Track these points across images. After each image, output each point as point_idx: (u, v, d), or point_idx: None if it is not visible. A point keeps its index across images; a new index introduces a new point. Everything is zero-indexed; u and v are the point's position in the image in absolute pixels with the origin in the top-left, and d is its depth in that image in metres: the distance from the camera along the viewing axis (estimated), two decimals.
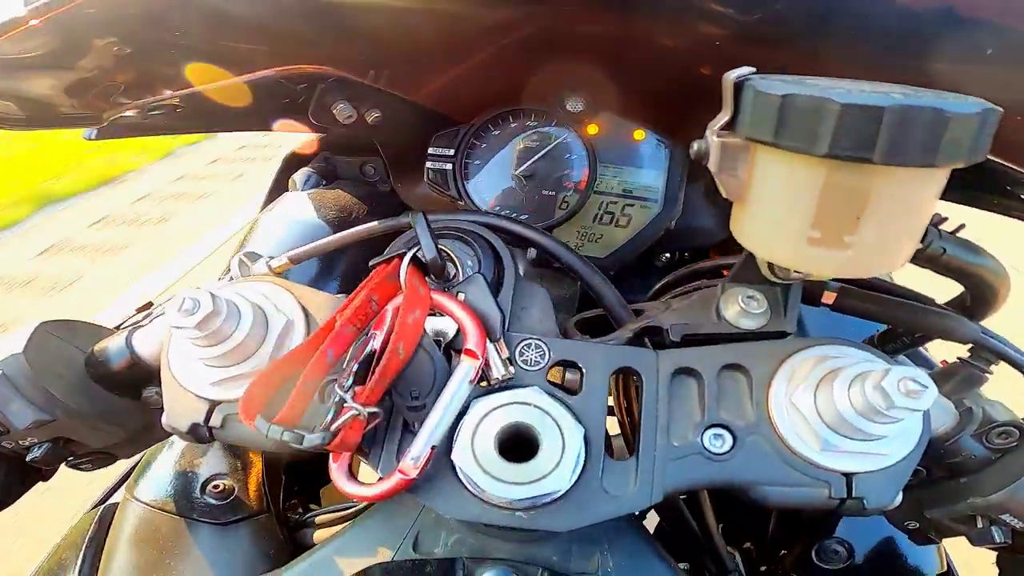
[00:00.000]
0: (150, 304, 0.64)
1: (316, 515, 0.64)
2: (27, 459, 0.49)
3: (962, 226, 0.45)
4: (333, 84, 0.66)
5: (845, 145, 0.29)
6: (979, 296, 0.47)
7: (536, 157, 0.74)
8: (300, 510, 0.70)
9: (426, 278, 0.44)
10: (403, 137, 0.77)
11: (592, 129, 0.74)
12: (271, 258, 0.59)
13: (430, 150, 0.75)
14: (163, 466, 0.65)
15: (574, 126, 0.74)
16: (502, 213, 0.73)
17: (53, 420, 0.47)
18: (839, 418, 0.38)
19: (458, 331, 0.42)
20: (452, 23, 0.58)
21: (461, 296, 0.44)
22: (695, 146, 0.37)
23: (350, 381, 0.38)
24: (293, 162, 1.02)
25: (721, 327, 0.45)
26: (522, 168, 0.73)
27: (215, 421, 0.42)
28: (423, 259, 0.43)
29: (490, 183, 0.75)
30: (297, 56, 0.62)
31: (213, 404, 0.42)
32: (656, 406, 0.42)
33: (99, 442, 0.53)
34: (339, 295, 0.47)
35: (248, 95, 0.61)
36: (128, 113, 0.58)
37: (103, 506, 0.68)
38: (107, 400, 0.51)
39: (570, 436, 0.39)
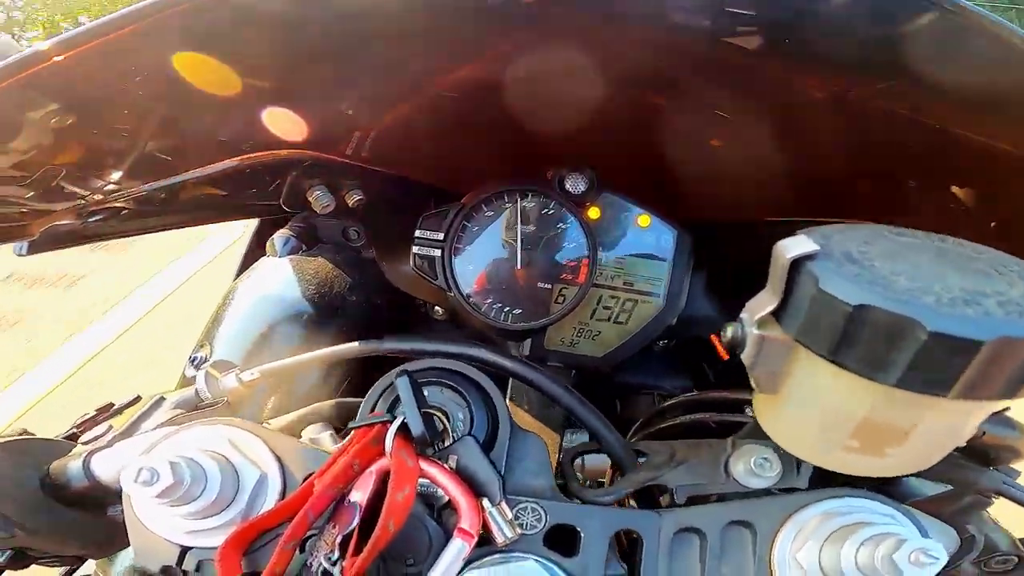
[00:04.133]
0: (110, 405, 0.61)
1: None
2: None
3: (1007, 408, 0.44)
4: (307, 168, 0.63)
5: (920, 380, 0.25)
6: (1009, 454, 0.46)
7: (532, 245, 0.70)
8: None
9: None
10: (388, 217, 0.74)
11: (593, 213, 0.71)
12: (241, 371, 0.57)
13: (417, 233, 0.71)
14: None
15: (574, 209, 0.70)
16: (494, 307, 0.71)
17: (12, 537, 0.45)
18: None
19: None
20: (446, 82, 0.56)
21: (453, 460, 0.41)
22: (728, 332, 0.34)
23: (336, 555, 0.37)
24: (271, 222, 0.99)
25: (729, 486, 0.43)
26: (516, 257, 0.70)
27: (188, 565, 0.41)
28: (410, 431, 0.41)
29: (481, 272, 0.70)
30: (266, 139, 0.59)
31: (185, 549, 0.42)
32: (656, 566, 0.42)
33: (65, 551, 0.52)
34: (317, 447, 0.45)
35: (209, 187, 0.57)
36: (64, 221, 0.52)
37: None
38: (68, 515, 0.49)
39: None
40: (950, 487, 0.47)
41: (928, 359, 0.25)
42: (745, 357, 0.33)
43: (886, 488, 0.53)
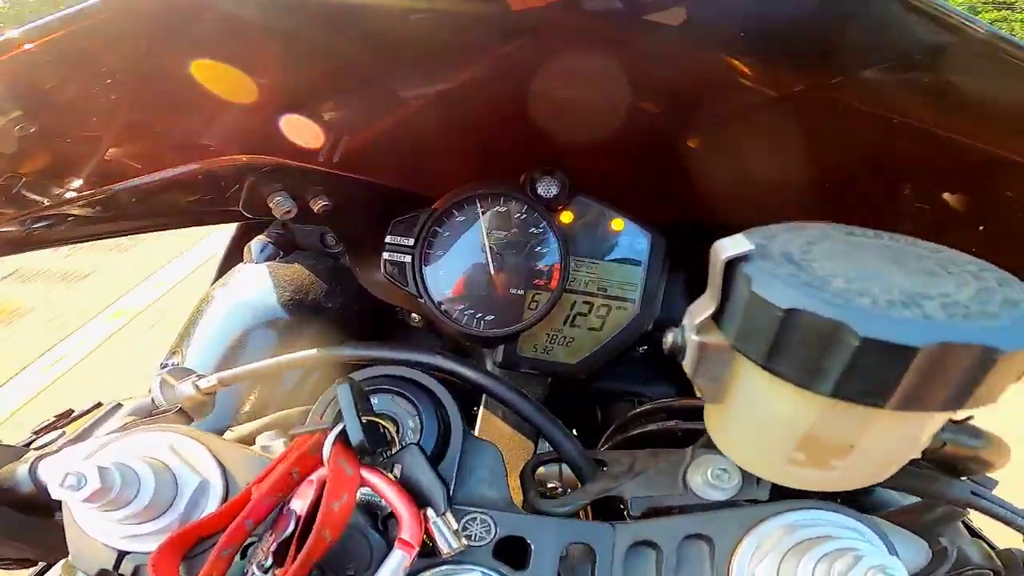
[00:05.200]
0: (70, 412, 0.61)
1: None
2: None
3: (970, 417, 0.42)
4: (267, 173, 0.62)
5: (854, 389, 0.24)
6: (978, 464, 0.44)
7: (504, 250, 0.69)
8: None
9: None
10: (357, 222, 0.73)
11: (566, 217, 0.70)
12: (199, 377, 0.56)
13: (387, 239, 0.70)
14: None
15: (546, 215, 0.68)
16: (466, 313, 0.70)
17: None
18: None
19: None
20: (417, 80, 0.55)
21: (397, 469, 0.40)
22: (668, 338, 0.33)
23: (269, 561, 0.37)
24: (249, 227, 0.99)
25: (687, 498, 0.42)
26: (488, 263, 0.69)
27: (125, 569, 0.41)
28: (349, 441, 0.39)
29: (452, 278, 0.69)
30: (223, 146, 0.58)
31: (123, 553, 0.41)
32: None
33: (15, 555, 0.52)
34: (260, 455, 0.44)
35: (164, 192, 0.56)
36: (7, 228, 0.51)
37: None
38: (16, 519, 0.49)
39: None
40: (933, 501, 0.46)
41: (862, 367, 0.23)
42: (686, 364, 0.31)
43: (856, 499, 0.51)
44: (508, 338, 0.71)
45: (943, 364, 0.23)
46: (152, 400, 0.55)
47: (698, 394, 0.33)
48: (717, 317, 0.29)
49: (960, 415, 0.44)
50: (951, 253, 0.30)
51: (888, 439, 0.28)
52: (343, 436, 0.38)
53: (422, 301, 0.70)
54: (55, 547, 0.53)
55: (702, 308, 0.30)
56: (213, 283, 0.96)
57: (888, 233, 0.32)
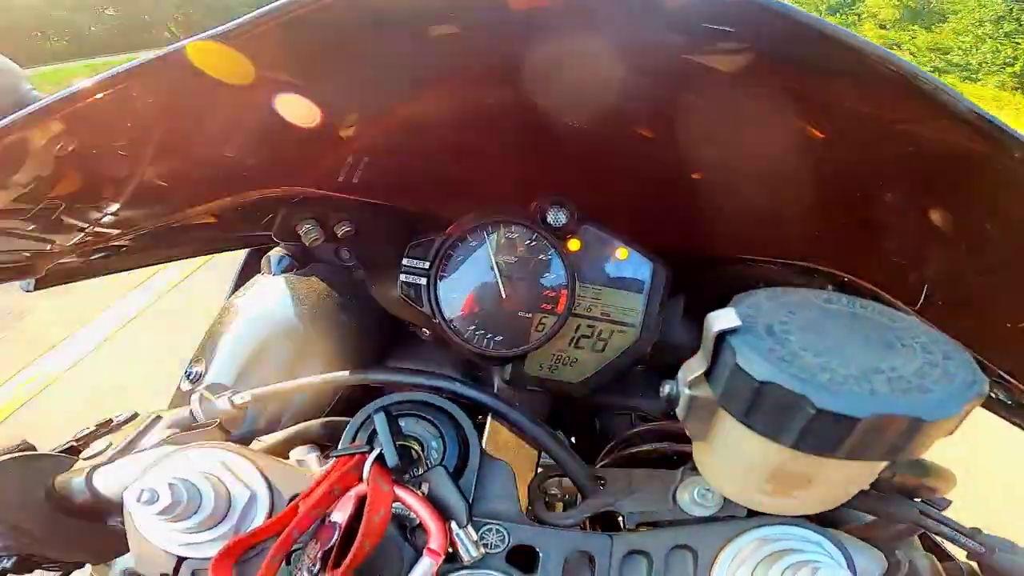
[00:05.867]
0: (109, 421, 0.66)
1: None
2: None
3: None
4: (298, 204, 0.68)
5: (813, 444, 0.30)
6: (925, 491, 0.51)
7: (514, 275, 0.75)
8: None
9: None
10: (375, 244, 0.79)
11: (573, 245, 0.75)
12: (234, 393, 0.62)
13: (404, 261, 0.75)
14: (127, 557, 0.67)
15: (555, 242, 0.74)
16: (476, 333, 0.76)
17: (20, 544, 0.51)
18: None
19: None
20: (441, 117, 0.60)
21: (425, 487, 0.47)
22: (666, 388, 0.39)
23: (317, 567, 0.43)
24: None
25: (675, 513, 0.49)
26: (499, 286, 0.75)
27: (183, 574, 0.46)
28: (386, 462, 0.46)
29: (464, 299, 0.75)
30: (261, 176, 0.63)
31: (181, 559, 0.47)
32: None
33: (66, 558, 0.57)
34: (303, 470, 0.50)
35: (204, 222, 0.62)
36: (68, 259, 0.57)
37: None
38: (71, 525, 0.54)
39: None
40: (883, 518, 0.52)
41: (817, 429, 0.30)
42: (679, 411, 0.38)
43: (825, 514, 0.58)
44: (516, 358, 0.77)
45: (880, 429, 0.29)
46: (191, 414, 0.61)
47: (687, 433, 0.39)
48: (707, 375, 0.35)
49: None
50: (910, 323, 0.36)
51: (840, 477, 0.35)
52: (380, 458, 0.45)
53: (435, 320, 0.75)
54: (101, 552, 0.59)
55: (694, 367, 0.36)
56: (230, 294, 1.02)
57: (860, 300, 0.38)
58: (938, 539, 0.58)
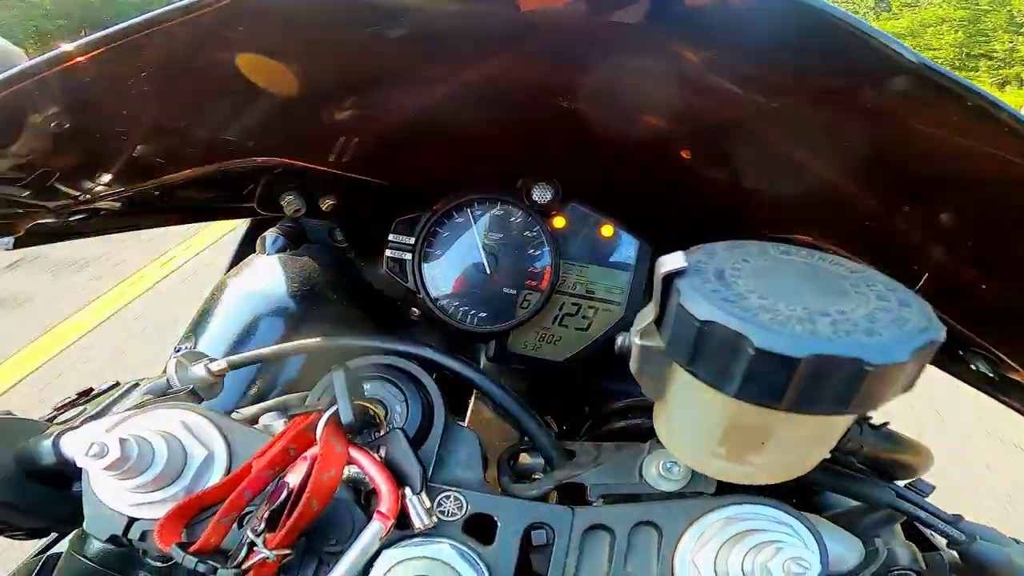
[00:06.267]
0: (90, 390, 0.67)
1: None
2: None
3: (886, 423, 0.47)
4: (280, 174, 0.68)
5: (754, 391, 0.29)
6: (901, 468, 0.49)
7: (499, 251, 0.74)
8: None
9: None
10: (362, 220, 0.79)
11: (558, 222, 0.75)
12: (211, 360, 0.62)
13: (390, 237, 0.76)
14: None
15: (540, 218, 0.74)
16: (461, 310, 0.75)
17: None
18: None
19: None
20: (428, 90, 0.60)
21: (381, 451, 0.46)
22: (619, 340, 0.38)
23: (262, 526, 0.42)
24: (262, 221, 1.05)
25: (640, 487, 0.47)
26: (484, 263, 0.75)
27: (133, 534, 0.47)
28: (341, 421, 0.45)
29: (449, 276, 0.75)
30: (243, 146, 0.64)
31: (132, 520, 0.47)
32: (565, 561, 0.46)
33: (32, 524, 0.58)
34: (263, 431, 0.50)
35: (186, 190, 0.63)
36: (47, 220, 0.58)
37: (46, 555, 0.72)
38: (37, 491, 0.55)
39: None
40: (862, 503, 0.50)
41: (758, 372, 0.28)
42: (631, 364, 0.37)
43: (808, 500, 0.56)
44: (500, 334, 0.76)
45: (822, 373, 0.28)
46: (167, 380, 0.61)
47: (643, 391, 0.38)
48: (657, 324, 0.34)
49: (878, 421, 0.49)
50: (872, 274, 0.35)
51: (794, 438, 0.33)
52: (335, 417, 0.44)
53: (420, 296, 0.75)
54: (69, 519, 0.60)
55: (646, 316, 0.35)
56: (226, 272, 1.03)
57: (822, 253, 0.37)
58: (924, 529, 0.56)
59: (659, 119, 0.62)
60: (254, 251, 1.01)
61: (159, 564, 0.64)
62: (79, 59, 0.44)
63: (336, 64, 0.55)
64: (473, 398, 0.78)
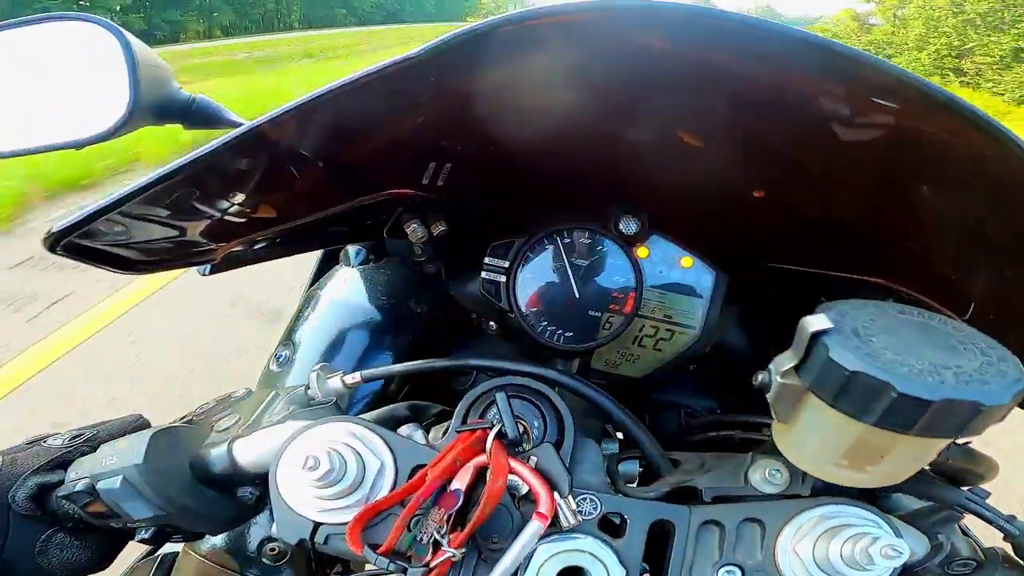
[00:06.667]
0: (229, 396, 0.75)
1: None
2: (135, 539, 0.60)
3: (968, 442, 0.56)
4: (410, 205, 0.77)
5: (891, 422, 0.38)
6: (972, 476, 0.59)
7: (586, 277, 0.83)
8: (339, 569, 0.81)
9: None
10: (462, 244, 0.88)
11: (642, 252, 0.83)
12: (345, 374, 0.70)
13: (486, 259, 0.84)
14: None
15: (625, 248, 0.82)
16: (548, 328, 0.84)
17: (165, 515, 0.56)
18: (829, 566, 0.49)
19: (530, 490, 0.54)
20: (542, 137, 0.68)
21: (533, 460, 0.55)
22: (759, 377, 0.47)
23: (444, 529, 0.49)
24: None
25: (747, 490, 0.55)
26: (572, 287, 0.83)
27: (319, 539, 0.52)
28: (506, 435, 0.54)
29: (540, 297, 0.83)
30: (384, 183, 0.73)
31: (318, 525, 0.52)
32: (684, 550, 0.54)
33: (196, 528, 0.62)
34: (423, 444, 0.58)
35: (337, 222, 0.72)
36: (237, 248, 0.68)
37: (162, 554, 0.79)
38: (206, 495, 0.60)
39: (614, 573, 0.52)
40: (929, 503, 0.59)
41: (897, 409, 0.37)
42: (770, 396, 0.45)
43: (878, 502, 0.65)
44: (583, 352, 0.85)
45: (947, 411, 0.37)
46: (306, 392, 0.69)
47: (773, 415, 0.47)
48: (797, 368, 0.43)
49: (961, 441, 0.58)
50: (969, 332, 0.44)
51: (908, 453, 0.42)
52: (499, 434, 0.53)
53: (512, 315, 0.84)
54: (230, 523, 0.63)
55: (786, 360, 0.44)
56: (310, 283, 1.11)
57: (928, 312, 0.46)
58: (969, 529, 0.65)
59: (739, 160, 0.69)
60: (336, 263, 1.10)
61: (269, 563, 0.72)
62: (288, 120, 0.52)
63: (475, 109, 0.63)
64: None
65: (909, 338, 0.41)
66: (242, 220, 0.63)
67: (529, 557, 0.51)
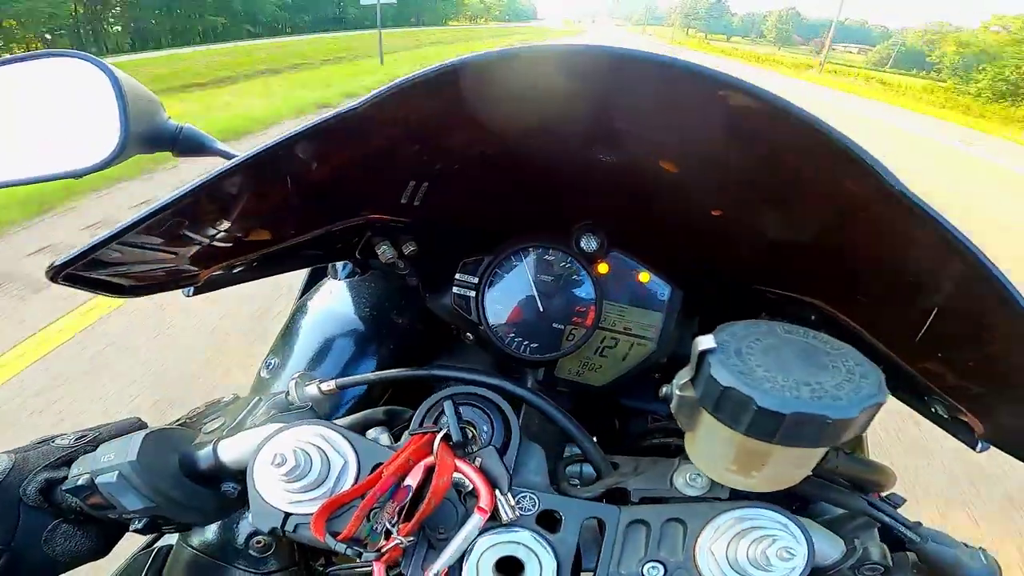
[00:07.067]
0: (217, 401, 0.83)
1: (337, 569, 0.84)
2: (130, 529, 0.67)
3: (854, 451, 0.62)
4: (380, 228, 0.85)
5: (756, 432, 0.44)
6: (871, 484, 0.64)
7: (550, 291, 0.90)
8: (323, 562, 0.88)
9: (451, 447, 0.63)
10: (433, 262, 0.96)
11: (602, 268, 0.90)
12: (322, 382, 0.78)
13: (457, 276, 0.91)
14: None
15: (587, 265, 0.89)
16: (515, 340, 0.91)
17: (156, 507, 0.64)
18: (739, 565, 0.55)
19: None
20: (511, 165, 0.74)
21: (478, 461, 0.62)
22: (663, 390, 0.54)
23: (396, 519, 0.57)
24: None
25: (671, 492, 0.62)
26: (536, 301, 0.90)
27: (288, 527, 0.59)
28: (452, 438, 0.61)
29: (506, 311, 0.90)
30: (357, 208, 0.80)
31: (287, 515, 0.59)
32: (613, 546, 0.60)
33: (185, 519, 0.70)
34: (383, 444, 0.65)
35: (313, 244, 0.80)
36: (219, 271, 0.75)
37: (158, 547, 0.88)
38: (194, 490, 0.67)
39: (547, 564, 0.58)
40: (846, 510, 0.66)
41: (759, 421, 0.44)
42: (672, 407, 0.52)
43: (806, 508, 0.71)
44: (548, 362, 0.92)
45: (800, 423, 0.43)
46: (286, 397, 0.77)
47: (679, 424, 0.54)
48: (692, 381, 0.50)
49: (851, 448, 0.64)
50: (847, 351, 0.50)
51: (785, 460, 0.49)
52: (446, 437, 0.60)
53: (481, 328, 0.91)
54: (216, 514, 0.72)
55: (683, 375, 0.51)
56: (300, 295, 1.19)
57: (813, 332, 0.52)
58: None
59: (694, 181, 0.74)
60: (324, 275, 1.18)
61: (256, 555, 0.80)
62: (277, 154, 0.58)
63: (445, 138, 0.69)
64: (522, 414, 0.94)
65: (786, 357, 0.48)
66: (226, 246, 0.71)
67: (471, 547, 0.59)
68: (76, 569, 0.67)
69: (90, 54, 0.82)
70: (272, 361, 1.02)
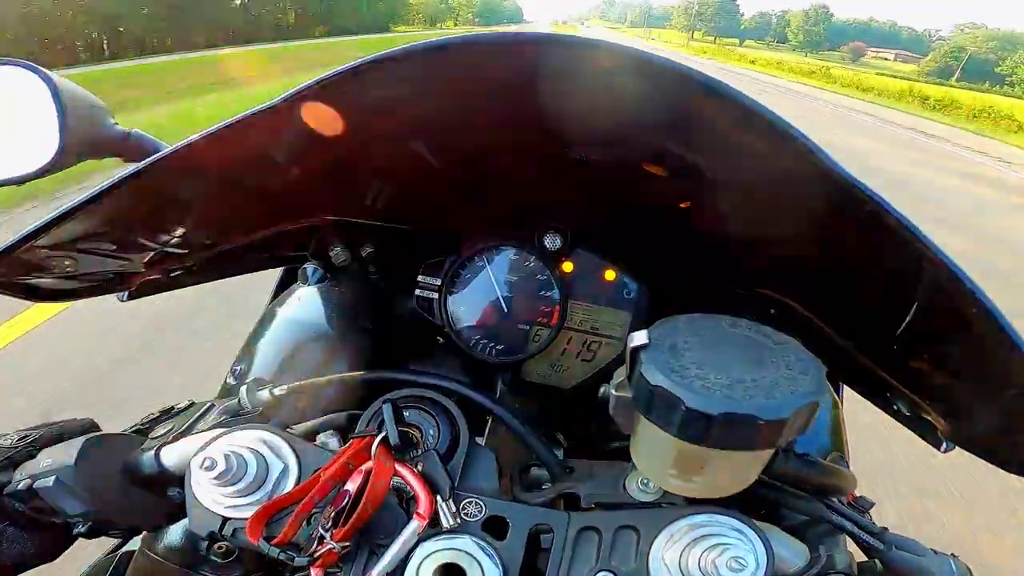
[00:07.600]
0: (171, 408, 0.82)
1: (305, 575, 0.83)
2: (74, 532, 0.66)
3: (807, 453, 0.60)
4: (331, 230, 0.83)
5: (688, 434, 0.43)
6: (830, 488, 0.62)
7: (514, 292, 0.89)
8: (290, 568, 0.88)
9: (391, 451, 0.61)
10: (394, 264, 0.94)
11: (567, 267, 0.89)
12: (275, 387, 0.77)
13: (419, 278, 0.90)
14: (176, 526, 0.83)
15: (550, 264, 0.88)
16: (480, 342, 0.90)
17: (97, 511, 0.63)
18: (690, 574, 0.53)
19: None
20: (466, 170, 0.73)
21: (419, 466, 0.60)
22: (601, 391, 0.52)
23: (329, 524, 0.55)
24: None
25: (623, 498, 0.60)
26: (500, 301, 0.89)
27: (226, 532, 0.59)
28: (390, 443, 0.60)
29: (471, 313, 0.89)
30: (305, 209, 0.79)
31: (225, 519, 0.59)
32: (562, 554, 0.58)
33: (129, 523, 0.70)
34: (325, 448, 0.64)
35: (260, 246, 0.78)
36: (154, 276, 0.74)
37: (120, 552, 0.87)
38: (138, 495, 0.67)
39: (490, 572, 0.56)
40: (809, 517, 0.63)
41: (689, 422, 0.42)
42: (610, 408, 0.51)
43: (772, 514, 0.69)
44: (513, 365, 0.90)
45: (731, 424, 0.41)
46: (239, 402, 0.76)
47: (617, 426, 0.52)
48: (628, 381, 0.48)
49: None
50: (791, 345, 0.48)
51: (724, 465, 0.47)
52: (385, 440, 0.59)
53: (446, 330, 0.90)
54: (161, 520, 0.71)
55: (620, 374, 0.49)
56: (271, 301, 1.19)
57: (757, 325, 0.51)
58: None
59: (661, 175, 0.73)
60: (295, 280, 1.17)
61: (219, 560, 0.79)
62: (202, 149, 0.57)
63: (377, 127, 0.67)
64: (491, 420, 0.92)
65: (724, 353, 0.46)
66: (158, 247, 0.70)
67: (411, 554, 0.57)
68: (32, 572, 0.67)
69: (30, 61, 0.82)
70: (238, 367, 1.01)
